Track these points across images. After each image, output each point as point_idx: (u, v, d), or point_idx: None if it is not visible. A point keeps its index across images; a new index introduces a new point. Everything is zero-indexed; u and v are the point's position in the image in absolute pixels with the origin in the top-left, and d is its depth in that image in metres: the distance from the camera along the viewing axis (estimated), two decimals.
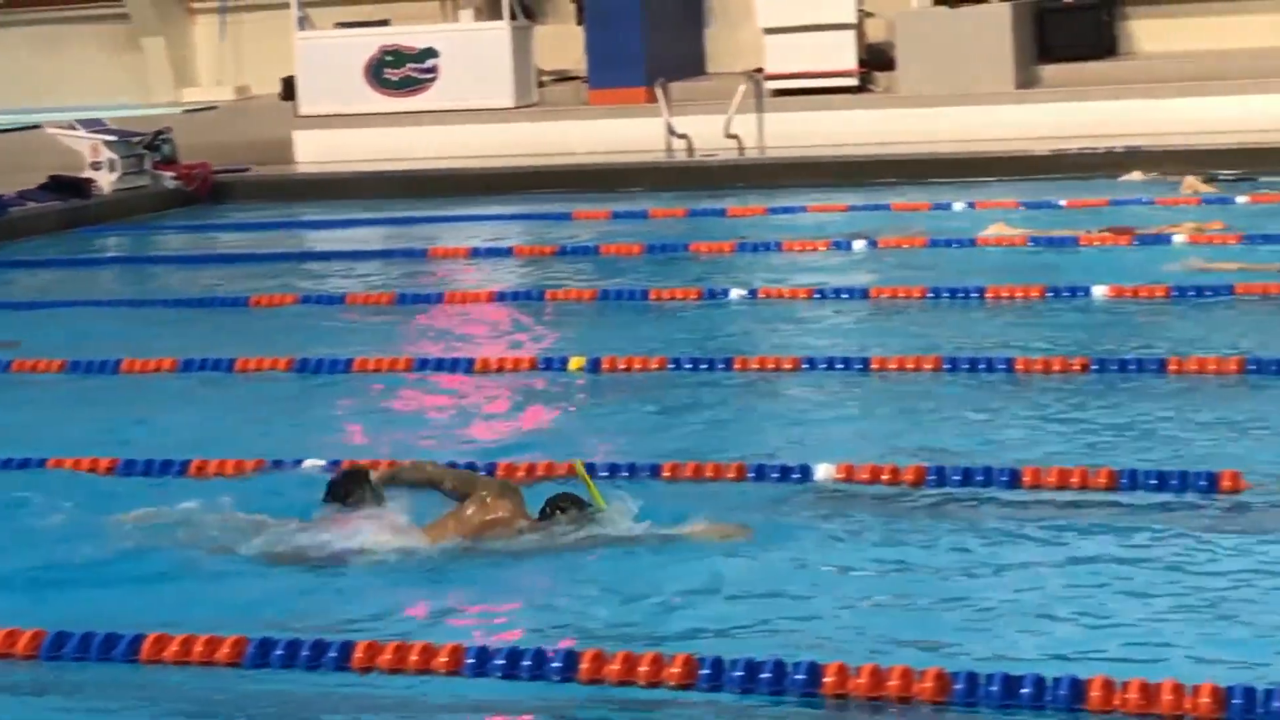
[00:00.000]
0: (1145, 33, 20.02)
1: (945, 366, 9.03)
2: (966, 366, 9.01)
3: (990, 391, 8.66)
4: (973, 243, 12.85)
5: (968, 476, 6.99)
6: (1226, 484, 6.68)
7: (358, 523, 6.45)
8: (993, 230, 12.90)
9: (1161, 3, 19.91)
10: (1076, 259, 12.19)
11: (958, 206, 14.80)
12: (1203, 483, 6.71)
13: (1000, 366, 8.97)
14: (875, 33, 20.16)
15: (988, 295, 10.87)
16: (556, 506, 6.44)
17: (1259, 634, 5.32)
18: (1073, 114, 18.01)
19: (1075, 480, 6.86)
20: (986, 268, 11.89)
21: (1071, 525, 6.44)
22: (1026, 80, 18.99)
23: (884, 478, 7.05)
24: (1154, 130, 17.31)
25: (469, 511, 6.47)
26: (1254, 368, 8.60)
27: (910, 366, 9.07)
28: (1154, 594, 5.73)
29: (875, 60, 19.89)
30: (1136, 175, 15.53)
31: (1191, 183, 14.63)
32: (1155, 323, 10.07)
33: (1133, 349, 9.25)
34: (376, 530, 6.40)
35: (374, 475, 6.81)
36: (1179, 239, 12.41)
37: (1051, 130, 17.78)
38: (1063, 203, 14.56)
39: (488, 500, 6.48)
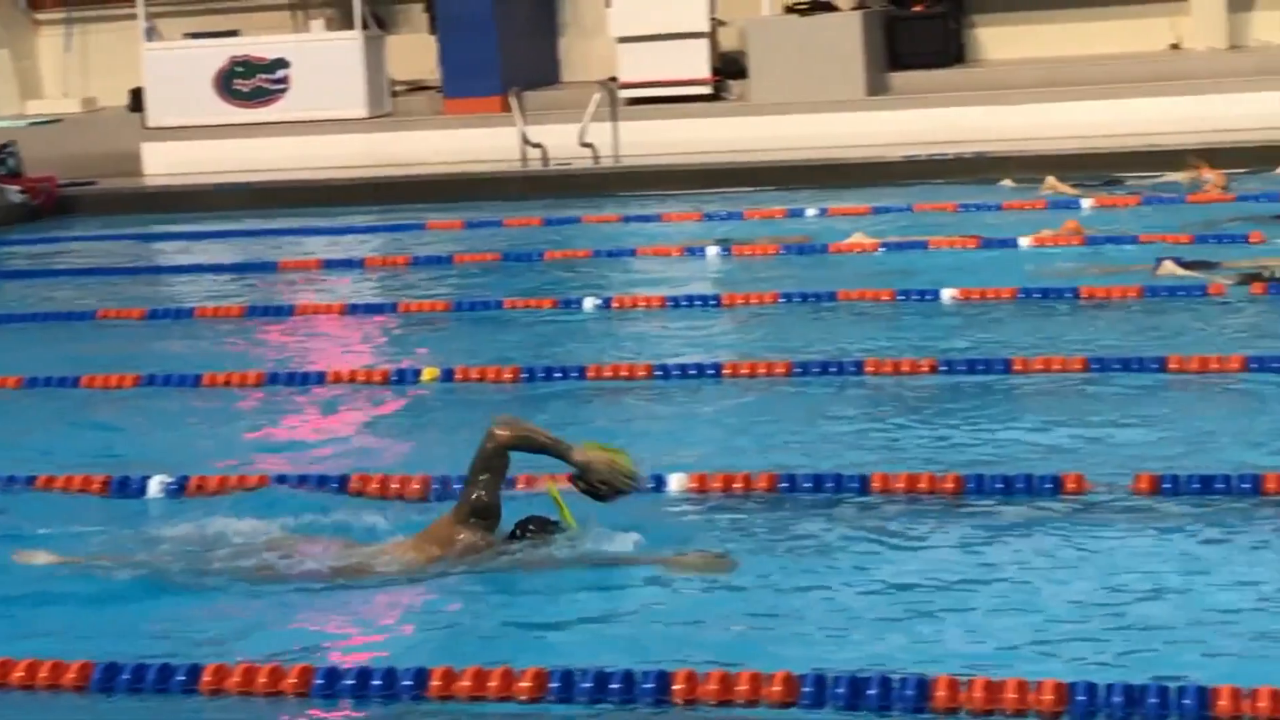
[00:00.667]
0: (992, 40, 20.29)
1: (796, 371, 9.09)
2: (818, 371, 9.08)
3: (841, 396, 8.73)
4: (825, 249, 12.95)
5: (818, 483, 7.03)
6: (1071, 486, 6.77)
7: (305, 547, 6.32)
8: (855, 238, 13.02)
9: (1007, 10, 20.18)
10: (926, 262, 12.32)
11: (810, 213, 14.93)
12: (1048, 485, 6.80)
13: (851, 370, 9.05)
14: (728, 41, 20.27)
15: (839, 299, 10.96)
16: (526, 528, 6.29)
17: (1103, 632, 5.39)
18: (922, 121, 18.21)
19: (924, 485, 6.92)
20: (838, 273, 12.01)
21: (920, 529, 6.49)
22: (877, 88, 19.17)
23: (736, 486, 7.07)
24: (1002, 136, 17.56)
25: (429, 534, 6.29)
26: (1097, 368, 8.74)
27: (762, 372, 9.12)
28: (999, 595, 5.80)
29: (728, 68, 19.99)
30: (1008, 183, 15.65)
31: (1052, 184, 14.86)
32: (1002, 325, 10.19)
33: (979, 351, 9.36)
34: (326, 556, 6.24)
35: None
36: (1024, 242, 12.59)
37: (902, 137, 17.97)
38: (913, 208, 14.72)
39: (447, 525, 6.29)
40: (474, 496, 6.25)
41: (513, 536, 6.26)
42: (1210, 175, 14.65)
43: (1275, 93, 17.45)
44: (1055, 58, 19.49)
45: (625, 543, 6.23)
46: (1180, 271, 10.91)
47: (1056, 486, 6.78)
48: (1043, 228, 12.93)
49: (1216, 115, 17.35)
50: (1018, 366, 8.86)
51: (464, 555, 6.20)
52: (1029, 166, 16.15)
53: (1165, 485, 6.70)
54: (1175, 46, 19.41)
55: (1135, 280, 10.81)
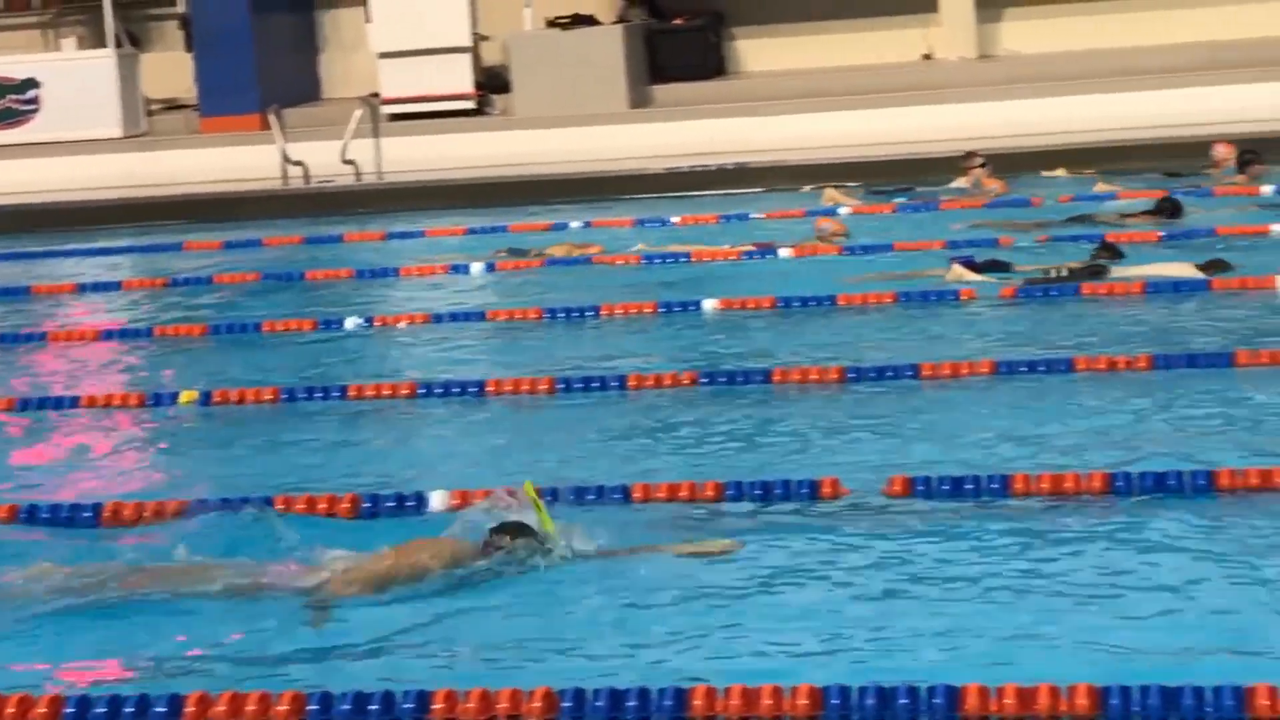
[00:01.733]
0: (752, 52, 20.55)
1: (560, 387, 9.09)
2: (581, 386, 9.09)
3: (604, 410, 8.75)
4: (589, 261, 13.00)
5: (580, 495, 7.04)
6: (827, 491, 6.87)
7: (279, 566, 6.11)
8: (638, 248, 13.11)
9: (766, 23, 20.46)
10: (689, 273, 12.43)
11: (575, 226, 14.97)
12: (805, 491, 6.89)
13: (614, 384, 9.08)
14: (491, 55, 20.27)
15: (602, 313, 11.00)
16: (502, 535, 6.13)
17: (865, 638, 5.46)
18: (684, 133, 18.38)
19: (684, 493, 6.97)
20: (603, 286, 12.05)
21: (682, 536, 6.52)
22: (639, 100, 19.31)
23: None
24: (763, 147, 17.80)
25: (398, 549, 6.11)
26: (854, 375, 8.87)
27: (526, 388, 9.11)
28: (763, 602, 5.85)
29: (491, 83, 19.99)
30: (830, 195, 15.76)
31: (832, 194, 15.08)
32: (762, 333, 10.31)
33: (740, 361, 9.46)
34: (300, 572, 6.07)
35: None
36: (784, 252, 12.75)
37: (665, 149, 18.11)
38: (676, 220, 14.83)
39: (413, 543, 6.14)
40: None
41: (487, 545, 6.09)
42: (993, 184, 14.93)
43: (1023, 101, 17.91)
44: (813, 69, 19.80)
45: (599, 539, 6.18)
46: (970, 275, 11.13)
47: (813, 491, 6.87)
48: (804, 237, 13.11)
49: (968, 124, 17.76)
50: (777, 376, 8.97)
51: (435, 568, 6.02)
52: (789, 177, 16.38)
53: (918, 488, 6.82)
54: (927, 57, 19.84)
55: (906, 285, 11.00)
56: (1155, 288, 10.54)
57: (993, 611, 5.59)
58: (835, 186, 15.28)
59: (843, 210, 14.55)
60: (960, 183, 15.33)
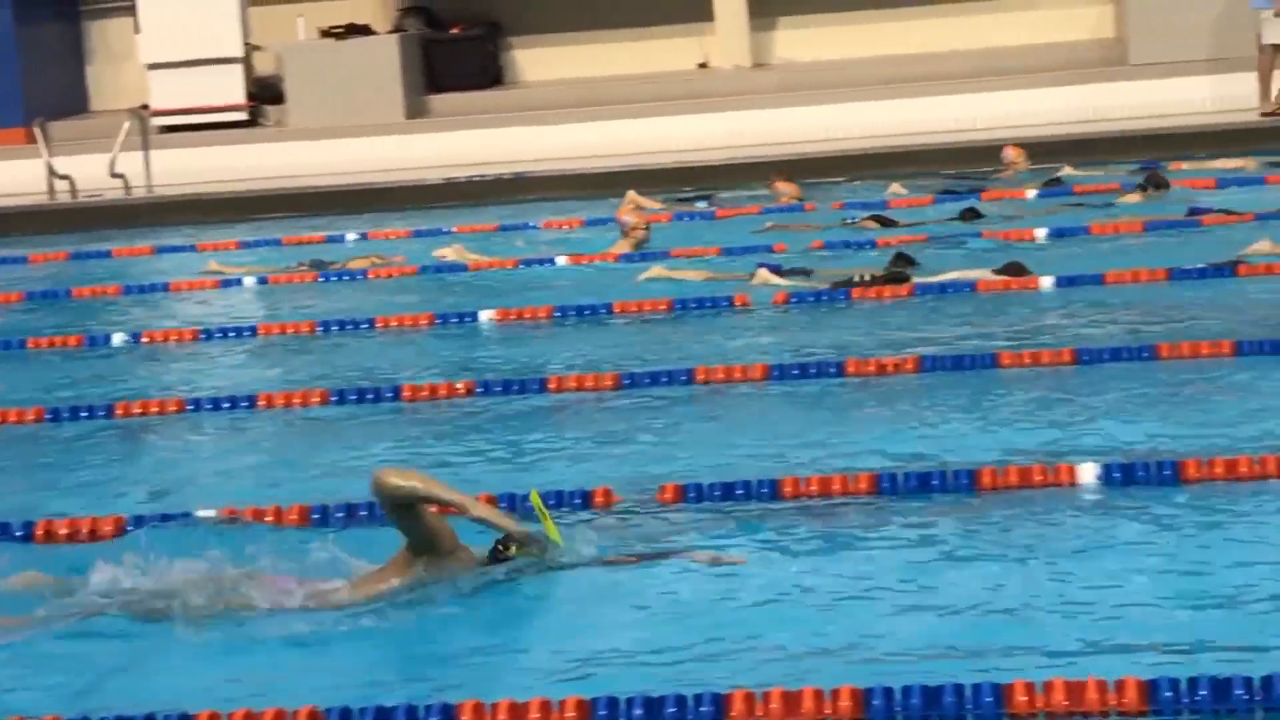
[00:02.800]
0: (530, 62, 20.52)
1: (333, 400, 8.98)
2: (355, 398, 8.99)
3: (379, 422, 8.66)
4: (365, 275, 12.86)
5: (351, 511, 6.95)
6: (599, 500, 6.86)
7: (283, 581, 5.92)
8: (447, 251, 13.02)
9: (544, 32, 20.45)
10: (467, 284, 12.36)
11: (351, 237, 14.81)
12: (578, 500, 6.87)
13: (389, 396, 8.98)
14: (264, 66, 19.99)
15: (378, 325, 10.89)
16: (508, 544, 5.99)
17: (648, 647, 5.45)
18: (462, 142, 18.30)
19: None
20: (378, 298, 11.93)
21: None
22: (417, 110, 19.18)
23: (268, 518, 6.93)
24: (541, 156, 17.79)
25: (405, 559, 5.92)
26: (629, 382, 8.88)
27: (298, 402, 8.98)
28: (535, 613, 5.83)
29: (265, 94, 19.72)
30: (631, 198, 15.73)
31: (633, 198, 15.11)
32: (539, 343, 10.28)
33: (517, 371, 9.42)
34: (299, 590, 5.87)
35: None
36: (561, 260, 12.73)
37: (443, 159, 18.02)
38: (453, 229, 14.75)
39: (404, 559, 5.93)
40: (405, 541, 5.94)
41: (495, 554, 5.97)
42: (787, 188, 15.05)
43: (797, 108, 18.12)
44: (591, 78, 19.83)
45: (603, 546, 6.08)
46: (775, 279, 11.18)
47: (586, 500, 6.85)
48: (579, 247, 13.12)
49: (743, 131, 17.93)
50: (552, 385, 8.94)
51: (447, 574, 5.88)
52: (567, 186, 16.40)
53: (689, 494, 6.83)
54: (703, 65, 19.98)
55: (674, 292, 11.04)
56: (922, 290, 10.70)
57: (766, 614, 5.61)
58: (637, 192, 15.33)
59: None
60: (761, 190, 15.49)
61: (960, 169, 15.96)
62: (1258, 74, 16.94)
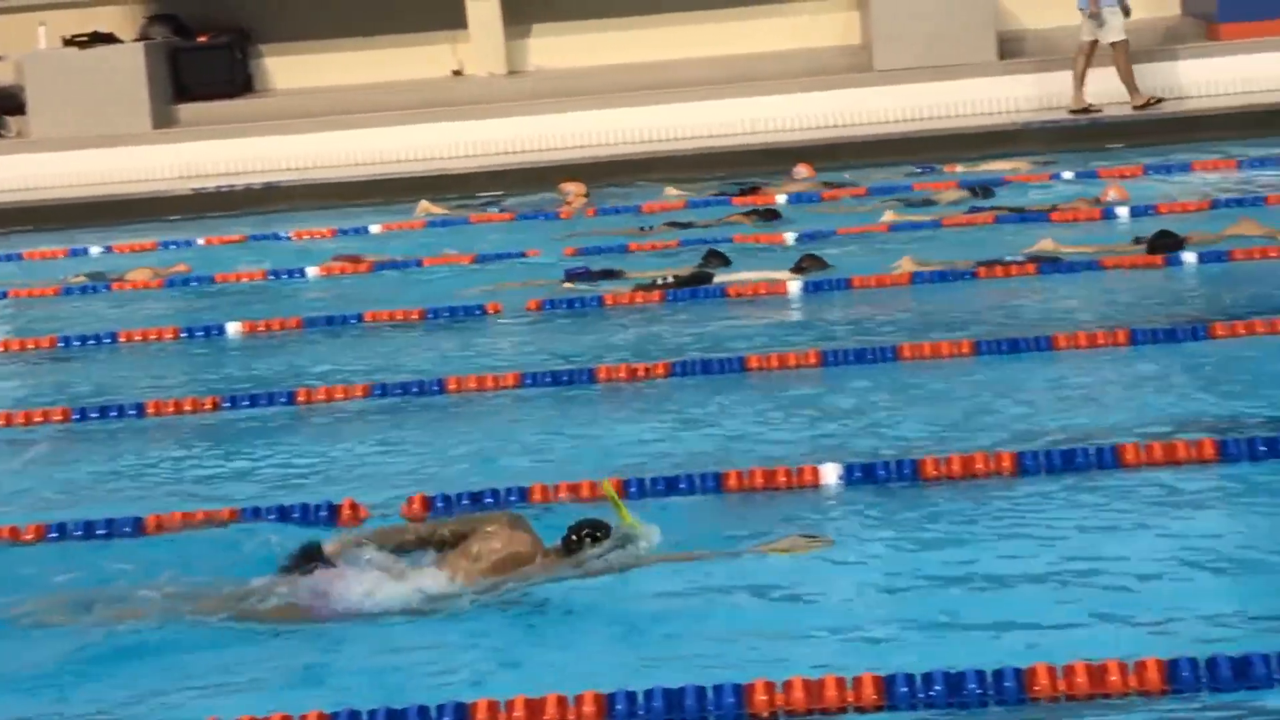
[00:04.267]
0: (280, 70, 20.24)
1: (75, 417, 8.78)
2: (97, 415, 8.79)
3: (123, 439, 8.47)
4: (108, 288, 12.57)
5: (89, 529, 6.79)
6: (347, 514, 6.77)
7: (349, 575, 5.64)
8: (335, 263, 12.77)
9: (294, 39, 20.18)
10: (214, 296, 12.14)
11: (95, 251, 14.47)
12: (324, 513, 6.77)
13: (132, 413, 8.79)
14: (4, 76, 19.43)
15: (121, 340, 10.64)
16: (581, 535, 5.78)
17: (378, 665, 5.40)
18: (211, 152, 17.99)
19: (200, 519, 6.79)
20: (123, 313, 11.68)
21: (194, 559, 6.31)
22: (164, 120, 18.80)
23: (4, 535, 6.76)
24: (292, 165, 17.56)
25: (476, 548, 5.67)
26: (379, 393, 8.79)
27: (39, 420, 8.78)
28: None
29: (6, 104, 19.17)
30: (424, 207, 15.44)
31: (425, 206, 14.97)
32: (288, 355, 10.13)
33: (265, 384, 9.27)
34: (373, 582, 5.62)
35: (328, 547, 5.80)
36: (313, 271, 12.57)
37: (191, 169, 17.71)
38: (202, 241, 14.50)
39: (496, 533, 5.70)
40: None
41: (568, 546, 5.79)
42: (572, 188, 15.06)
43: (552, 115, 18.14)
44: (343, 86, 19.62)
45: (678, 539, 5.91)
46: (576, 285, 11.15)
47: (332, 514, 6.77)
48: (329, 256, 12.97)
49: (498, 138, 17.90)
50: (301, 397, 8.82)
51: (520, 569, 5.69)
52: (319, 195, 16.22)
53: (438, 505, 6.78)
54: (458, 73, 19.89)
55: (427, 300, 10.96)
56: (674, 296, 10.75)
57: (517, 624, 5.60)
58: (430, 199, 15.22)
59: (374, 229, 14.41)
60: (548, 195, 15.47)
61: (712, 173, 16.10)
62: (1073, 72, 17.31)
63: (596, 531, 5.85)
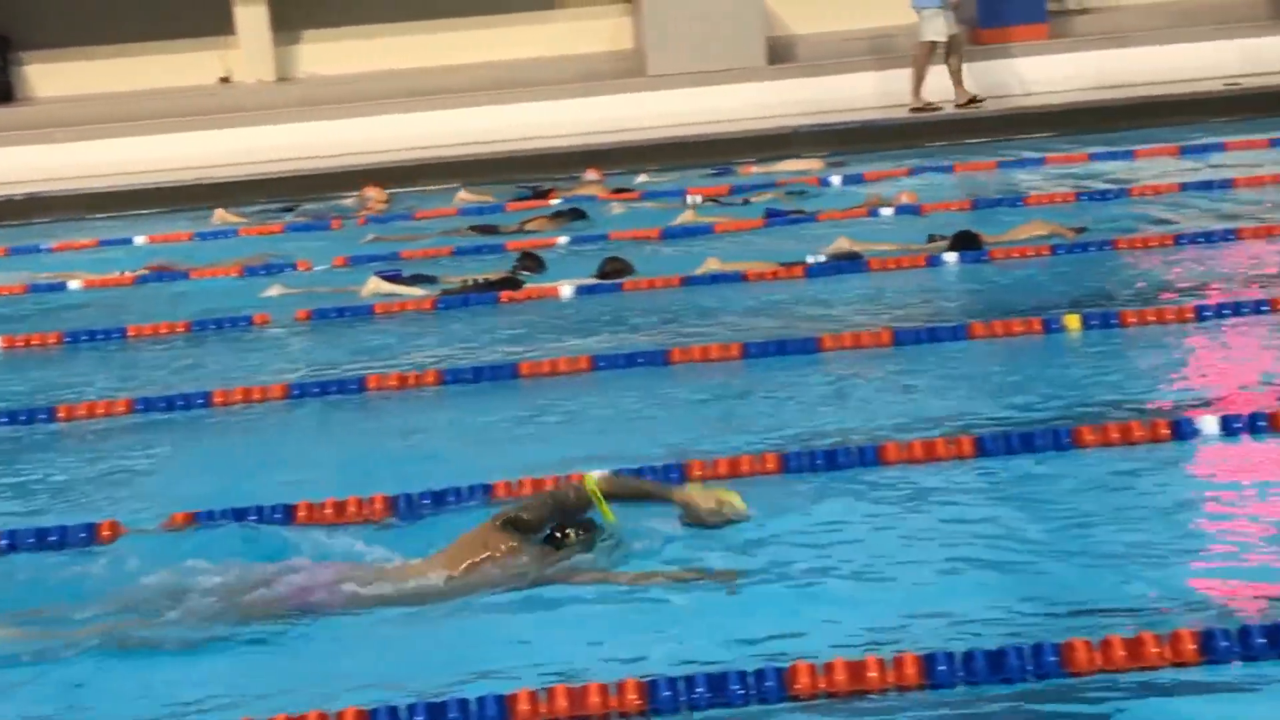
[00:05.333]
0: (43, 77, 19.78)
1: None
2: None
3: None
4: None
5: None
6: (106, 533, 6.61)
7: (336, 568, 5.66)
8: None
9: (58, 46, 19.73)
10: None
11: None
12: (83, 534, 6.61)
13: None
14: None
15: None
16: (564, 531, 5.80)
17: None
18: None
19: None
20: None
21: None
22: None
23: None
24: (53, 175, 17.16)
25: (464, 545, 5.71)
26: (143, 408, 8.61)
27: None
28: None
29: None
30: (220, 215, 15.15)
31: (221, 215, 14.69)
32: (49, 370, 9.88)
33: (23, 401, 9.03)
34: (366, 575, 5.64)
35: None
36: (74, 284, 12.28)
37: None
38: None
39: (482, 531, 5.77)
40: (519, 513, 5.83)
41: (550, 541, 5.80)
42: (372, 193, 15.01)
43: (323, 122, 17.96)
44: (108, 94, 19.24)
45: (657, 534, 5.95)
46: (388, 287, 10.98)
47: (91, 535, 6.60)
48: (90, 268, 12.70)
49: (268, 146, 17.67)
50: (62, 414, 8.60)
51: (503, 564, 5.69)
52: (79, 207, 15.89)
53: (201, 520, 6.65)
54: (225, 80, 19.60)
55: (194, 313, 10.75)
56: (446, 303, 10.69)
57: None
58: (224, 207, 14.98)
59: (138, 240, 14.14)
60: (348, 201, 15.30)
61: (495, 179, 16.09)
62: (912, 70, 17.53)
63: (580, 529, 5.89)
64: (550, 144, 17.28)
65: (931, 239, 11.29)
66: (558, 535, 5.86)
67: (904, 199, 13.19)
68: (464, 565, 5.74)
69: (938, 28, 17.19)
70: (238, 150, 17.59)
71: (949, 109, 17.24)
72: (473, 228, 13.52)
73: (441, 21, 19.70)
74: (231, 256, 12.96)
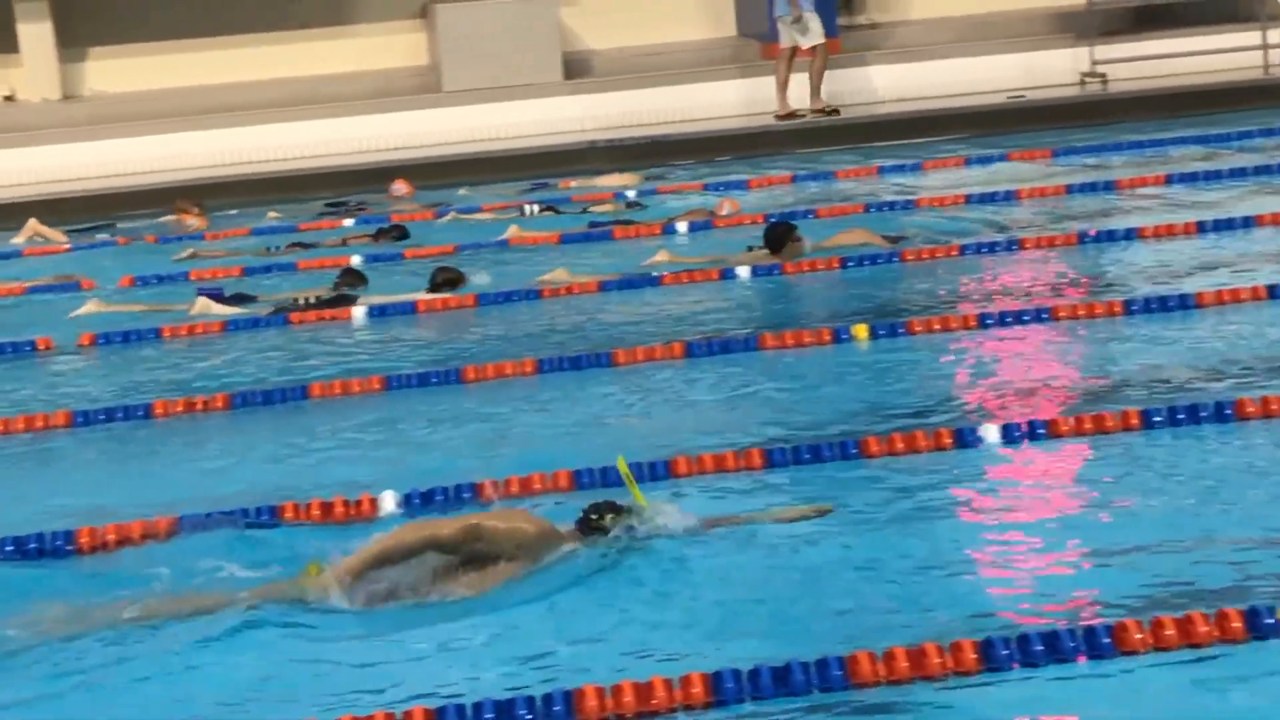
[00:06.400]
0: None
1: None
2: None
3: None
4: None
5: None
6: None
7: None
8: None
9: None
10: None
11: None
12: None
13: None
14: None
15: None
16: (597, 515, 5.75)
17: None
18: None
19: None
20: None
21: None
22: None
23: None
24: None
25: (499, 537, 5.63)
26: None
27: None
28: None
29: None
30: (32, 226, 14.74)
31: (34, 227, 14.30)
32: None
33: None
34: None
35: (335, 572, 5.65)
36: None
37: None
38: None
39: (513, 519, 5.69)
40: None
41: (583, 527, 5.76)
42: (194, 219, 14.70)
43: (111, 140, 17.66)
44: None
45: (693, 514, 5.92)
46: (218, 308, 10.81)
47: None
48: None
49: (54, 166, 17.33)
50: None
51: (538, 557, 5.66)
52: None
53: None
54: (9, 98, 19.16)
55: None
56: (234, 325, 10.55)
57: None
58: (38, 220, 14.63)
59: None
60: (166, 219, 15.04)
61: (296, 195, 15.95)
62: (775, 79, 17.57)
63: (611, 511, 5.82)
64: (348, 160, 17.14)
65: (750, 249, 11.40)
66: (594, 518, 5.83)
67: (727, 208, 13.29)
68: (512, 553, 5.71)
69: (817, 30, 17.36)
70: (22, 170, 17.21)
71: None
72: (293, 245, 13.41)
73: (234, 38, 19.44)
74: (30, 275, 12.71)
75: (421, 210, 14.76)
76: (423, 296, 10.84)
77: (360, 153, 17.54)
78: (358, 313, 10.61)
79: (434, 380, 8.83)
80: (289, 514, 6.69)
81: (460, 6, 18.70)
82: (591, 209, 14.09)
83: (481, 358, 9.22)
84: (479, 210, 14.47)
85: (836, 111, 17.44)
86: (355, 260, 12.38)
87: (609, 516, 5.80)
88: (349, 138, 17.85)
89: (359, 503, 6.75)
